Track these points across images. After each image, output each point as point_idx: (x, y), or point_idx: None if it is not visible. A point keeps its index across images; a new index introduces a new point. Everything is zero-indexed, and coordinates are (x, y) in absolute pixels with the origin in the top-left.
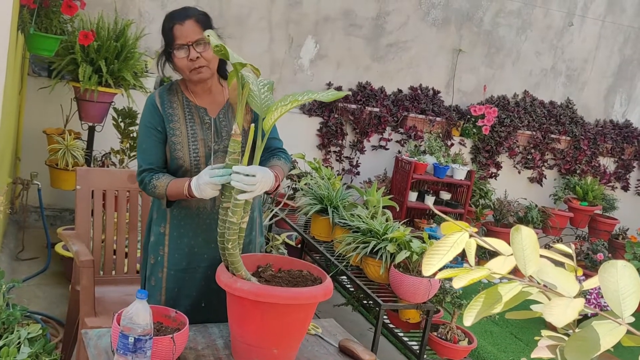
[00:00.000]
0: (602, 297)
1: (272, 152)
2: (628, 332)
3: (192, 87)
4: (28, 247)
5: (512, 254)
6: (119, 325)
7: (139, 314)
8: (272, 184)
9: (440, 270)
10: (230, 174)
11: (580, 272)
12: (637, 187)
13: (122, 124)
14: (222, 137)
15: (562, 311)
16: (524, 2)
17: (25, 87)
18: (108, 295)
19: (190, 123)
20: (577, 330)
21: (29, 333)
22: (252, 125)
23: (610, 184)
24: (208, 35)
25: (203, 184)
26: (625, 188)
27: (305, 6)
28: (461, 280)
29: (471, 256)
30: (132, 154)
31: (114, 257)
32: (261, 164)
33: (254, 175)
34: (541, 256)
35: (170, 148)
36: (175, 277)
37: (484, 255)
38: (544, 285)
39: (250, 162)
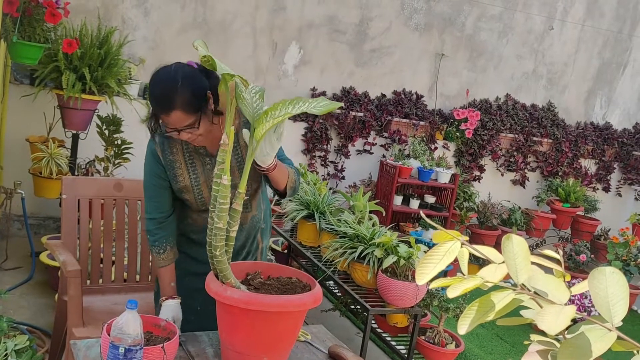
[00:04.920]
0: (585, 297)
1: None
2: (618, 337)
3: None
4: (12, 257)
5: (503, 262)
6: (109, 335)
7: (129, 324)
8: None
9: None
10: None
11: (568, 277)
12: (618, 188)
13: (106, 132)
14: None
15: (554, 319)
16: (505, 6)
17: (7, 95)
18: (95, 305)
19: (192, 167)
20: (567, 335)
21: (15, 345)
22: (232, 128)
23: (591, 186)
24: (196, 46)
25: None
26: (607, 189)
27: (289, 12)
28: (455, 290)
29: (464, 265)
30: (116, 162)
31: (101, 265)
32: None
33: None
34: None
35: (176, 191)
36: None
37: (469, 259)
38: (535, 293)
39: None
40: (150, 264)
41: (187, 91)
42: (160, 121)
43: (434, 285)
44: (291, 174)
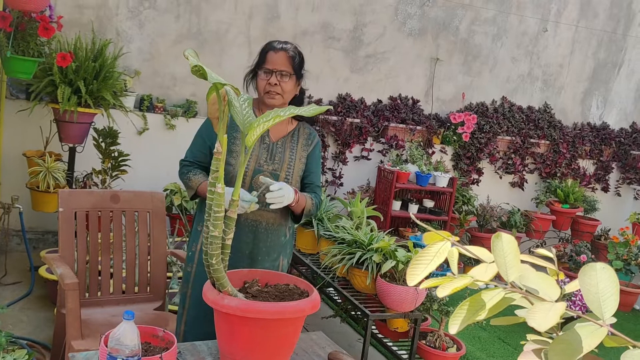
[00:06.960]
0: None
1: (307, 187)
2: (611, 333)
3: (264, 109)
4: (11, 272)
5: (494, 261)
6: (107, 347)
7: (127, 334)
8: (293, 198)
9: (425, 279)
10: (249, 203)
11: (562, 275)
12: (617, 187)
13: (102, 144)
14: (275, 161)
15: (544, 316)
16: (499, 9)
17: (3, 110)
18: (94, 317)
19: None
20: (560, 333)
21: (15, 359)
22: (225, 136)
23: (590, 186)
24: (187, 56)
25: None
26: (605, 189)
27: (283, 20)
28: (445, 289)
29: (454, 265)
30: (114, 174)
31: (99, 278)
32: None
33: (280, 189)
34: (523, 261)
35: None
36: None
37: (469, 261)
38: (526, 291)
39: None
40: (148, 275)
41: (299, 53)
42: (259, 71)
43: (424, 285)
44: (308, 206)
